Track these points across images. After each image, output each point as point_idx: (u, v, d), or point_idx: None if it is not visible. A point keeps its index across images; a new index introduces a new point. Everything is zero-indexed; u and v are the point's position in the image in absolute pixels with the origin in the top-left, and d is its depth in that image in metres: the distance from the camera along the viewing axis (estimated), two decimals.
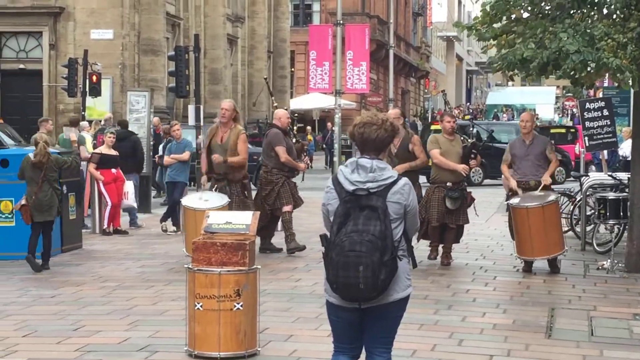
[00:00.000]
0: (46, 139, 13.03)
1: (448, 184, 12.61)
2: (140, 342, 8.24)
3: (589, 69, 11.50)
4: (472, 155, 12.75)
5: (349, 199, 5.41)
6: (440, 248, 12.87)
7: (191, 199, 12.45)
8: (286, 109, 16.19)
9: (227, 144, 12.95)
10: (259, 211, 9.67)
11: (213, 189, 12.90)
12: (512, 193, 12.62)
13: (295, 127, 14.53)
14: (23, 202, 12.55)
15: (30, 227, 12.67)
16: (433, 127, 28.42)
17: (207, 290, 7.51)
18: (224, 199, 12.27)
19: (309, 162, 14.01)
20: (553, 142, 14.97)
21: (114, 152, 16.96)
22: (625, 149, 22.53)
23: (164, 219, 16.89)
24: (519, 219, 12.19)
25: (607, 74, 12.76)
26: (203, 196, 12.46)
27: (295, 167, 13.75)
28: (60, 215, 13.22)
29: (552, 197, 12.23)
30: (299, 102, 51.08)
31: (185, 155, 17.05)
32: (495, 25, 12.59)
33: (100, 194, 16.67)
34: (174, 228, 16.83)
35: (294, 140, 14.10)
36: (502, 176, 13.50)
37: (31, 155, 12.76)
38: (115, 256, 13.87)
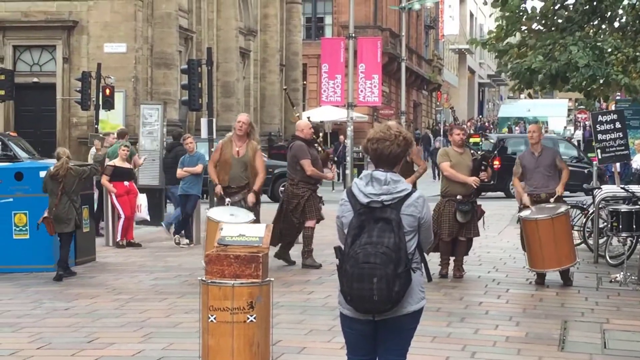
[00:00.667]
0: (68, 154, 13.48)
1: (458, 197, 12.62)
2: (154, 355, 8.27)
3: (597, 84, 11.53)
4: (483, 168, 12.77)
5: (363, 211, 5.44)
6: (452, 262, 12.86)
7: (218, 212, 12.39)
8: (308, 118, 16.16)
9: (246, 157, 12.98)
10: (272, 224, 9.69)
11: (226, 204, 12.87)
12: (524, 206, 12.65)
13: (320, 135, 14.43)
14: (45, 214, 12.97)
15: (51, 238, 13.19)
16: (472, 139, 27.66)
17: (221, 303, 7.52)
18: (249, 216, 12.19)
19: (336, 170, 14.03)
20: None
21: (127, 165, 17.04)
22: (638, 161, 22.52)
23: (177, 232, 16.93)
24: (529, 231, 12.22)
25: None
26: (230, 211, 12.39)
27: (322, 178, 13.87)
28: (78, 227, 13.38)
29: (562, 209, 12.25)
30: (311, 115, 51.09)
31: (199, 168, 17.10)
32: (509, 40, 12.63)
33: (113, 206, 16.75)
34: (187, 241, 16.88)
35: (319, 149, 14.02)
36: (514, 189, 13.52)
37: (52, 168, 13.11)
38: (128, 269, 13.92)
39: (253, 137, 13.37)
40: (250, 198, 12.90)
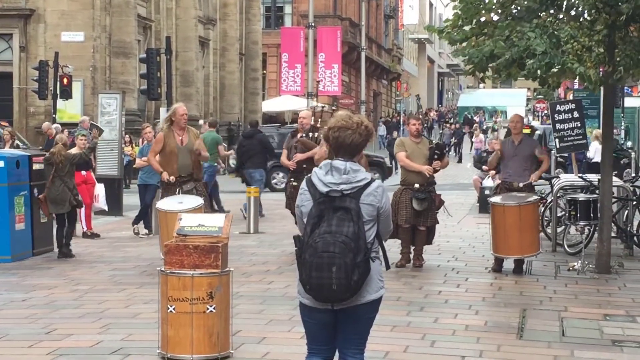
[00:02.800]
0: (65, 141, 14.66)
1: (415, 185, 12.68)
2: (112, 345, 8.22)
3: (553, 70, 11.59)
4: (436, 157, 12.82)
5: (322, 200, 5.43)
6: (411, 253, 12.90)
7: (166, 202, 12.32)
8: (313, 108, 16.48)
9: (189, 144, 12.97)
10: (231, 213, 9.67)
11: (178, 192, 12.79)
12: (496, 191, 12.83)
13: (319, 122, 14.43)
14: (40, 196, 14.05)
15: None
16: (525, 131, 26.65)
17: (180, 293, 7.50)
18: (198, 201, 12.22)
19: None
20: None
21: None
22: (591, 150, 22.76)
23: (136, 222, 16.84)
24: (496, 216, 12.34)
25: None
26: (178, 199, 12.40)
27: (288, 166, 14.05)
28: (78, 206, 14.37)
29: (532, 198, 12.36)
30: (271, 105, 51.07)
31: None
32: (465, 28, 12.65)
33: None
34: (146, 231, 16.79)
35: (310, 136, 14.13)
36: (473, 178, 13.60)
37: (47, 153, 14.40)
38: (87, 259, 13.81)
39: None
40: (198, 150, 12.94)
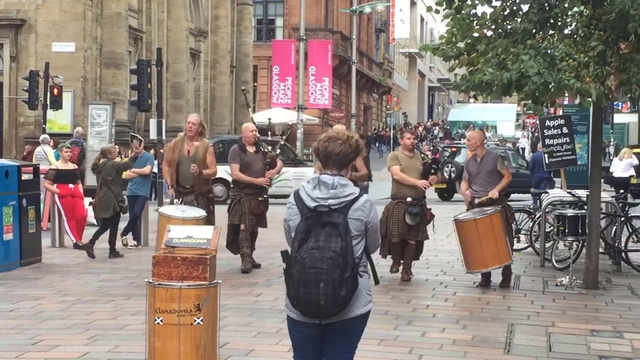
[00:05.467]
0: (109, 149, 15.94)
1: (408, 199, 12.70)
2: (99, 357, 8.20)
3: (550, 89, 11.62)
4: (432, 172, 12.85)
5: (310, 215, 5.43)
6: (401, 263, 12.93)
7: (170, 209, 12.47)
8: (269, 119, 16.27)
9: (196, 156, 12.99)
10: (219, 226, 9.67)
11: (179, 202, 12.88)
12: (468, 208, 12.83)
13: (269, 137, 14.25)
14: (91, 201, 15.81)
15: None
16: None
17: (168, 305, 7.48)
18: (201, 212, 12.25)
19: (271, 178, 13.57)
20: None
21: (71, 167, 16.82)
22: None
23: (124, 233, 16.81)
24: (468, 232, 12.31)
25: (566, 92, 12.89)
26: (181, 208, 12.48)
27: (249, 182, 13.31)
28: (120, 212, 15.43)
29: (490, 210, 12.29)
30: (262, 117, 51.05)
31: (147, 169, 17.03)
32: (459, 45, 12.69)
33: (58, 208, 16.54)
34: (135, 242, 16.77)
35: (264, 150, 13.65)
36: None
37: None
38: (74, 270, 13.79)
39: (204, 136, 13.39)
40: (193, 168, 12.83)
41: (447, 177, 30.51)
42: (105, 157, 15.53)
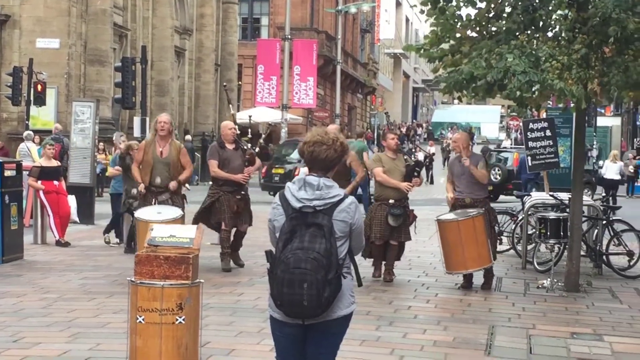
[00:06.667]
0: (132, 146, 15.55)
1: (391, 201, 12.73)
2: (80, 355, 8.19)
3: (534, 89, 11.67)
4: (415, 174, 12.88)
5: (295, 216, 5.44)
6: (383, 266, 12.96)
7: (146, 212, 12.37)
8: (250, 117, 16.21)
9: (169, 158, 12.94)
10: (202, 224, 9.67)
11: (153, 203, 12.83)
12: (451, 209, 12.87)
13: (249, 136, 14.11)
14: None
15: None
16: None
17: (150, 304, 7.48)
18: (177, 212, 12.23)
19: (249, 174, 13.50)
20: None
21: (54, 164, 16.79)
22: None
23: (107, 230, 16.79)
24: (450, 233, 12.35)
25: (551, 96, 12.94)
26: (157, 209, 12.43)
27: (227, 178, 13.29)
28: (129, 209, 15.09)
29: (473, 212, 12.34)
30: (246, 116, 51.02)
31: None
32: (443, 46, 12.72)
33: (42, 204, 16.51)
34: (117, 240, 16.74)
35: (244, 147, 13.63)
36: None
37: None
38: (56, 267, 13.75)
39: (172, 136, 13.29)
40: (173, 184, 12.81)
41: (494, 179, 31.51)
42: (128, 153, 15.39)
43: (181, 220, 11.83)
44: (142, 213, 12.32)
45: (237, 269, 13.50)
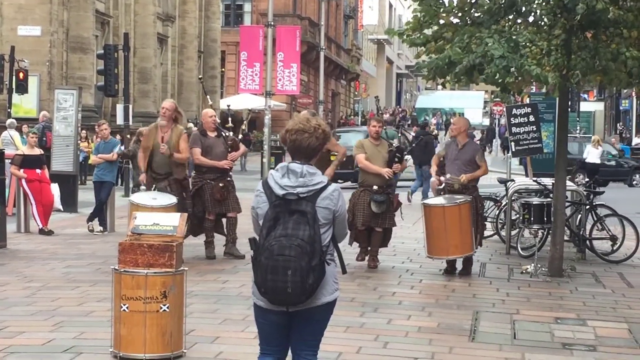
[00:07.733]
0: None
1: (374, 187, 12.73)
2: (65, 344, 8.17)
3: (511, 74, 11.69)
4: (397, 160, 12.87)
5: (278, 203, 5.43)
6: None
7: (140, 196, 12.46)
8: (228, 106, 16.25)
9: (170, 143, 12.89)
10: (187, 213, 9.65)
11: (152, 189, 12.81)
12: (439, 193, 12.87)
13: (229, 124, 14.08)
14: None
15: None
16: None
17: (134, 292, 7.48)
18: (172, 199, 12.23)
19: (233, 160, 13.46)
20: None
21: (37, 152, 16.73)
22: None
23: (90, 219, 16.74)
24: (435, 218, 12.36)
25: (532, 82, 12.97)
26: (152, 195, 12.44)
27: (212, 165, 13.26)
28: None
29: (460, 199, 12.35)
30: (229, 103, 50.93)
31: (114, 155, 16.95)
32: (426, 32, 12.73)
33: (24, 193, 16.44)
34: (101, 228, 16.70)
35: (226, 134, 13.64)
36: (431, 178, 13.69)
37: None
38: (40, 256, 13.71)
39: (179, 123, 13.26)
40: (163, 149, 12.73)
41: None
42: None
43: (174, 208, 11.79)
44: (137, 197, 12.44)
45: (222, 256, 13.45)
